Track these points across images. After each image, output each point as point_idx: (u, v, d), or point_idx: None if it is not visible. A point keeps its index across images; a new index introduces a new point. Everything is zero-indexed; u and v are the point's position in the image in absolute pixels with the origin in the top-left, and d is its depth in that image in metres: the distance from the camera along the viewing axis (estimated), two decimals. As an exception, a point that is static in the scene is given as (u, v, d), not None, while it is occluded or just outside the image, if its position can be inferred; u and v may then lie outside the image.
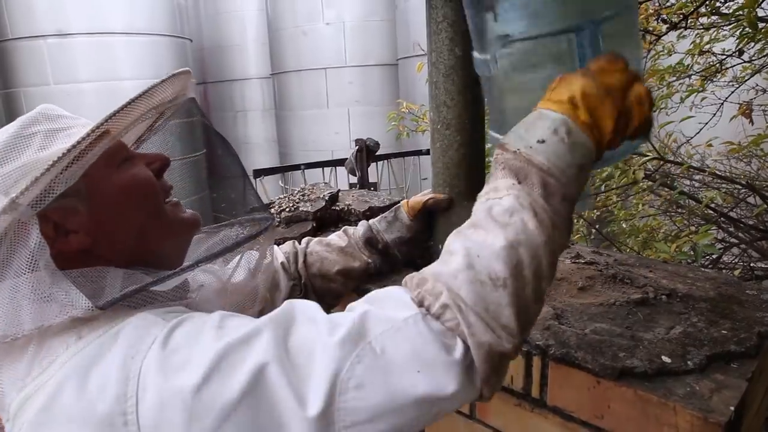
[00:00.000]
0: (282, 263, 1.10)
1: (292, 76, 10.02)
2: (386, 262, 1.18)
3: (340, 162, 4.64)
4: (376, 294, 0.70)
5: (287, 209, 1.58)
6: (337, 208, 1.63)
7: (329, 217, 1.61)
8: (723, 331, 0.90)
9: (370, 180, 3.76)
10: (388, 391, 0.60)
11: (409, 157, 6.08)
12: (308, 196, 1.65)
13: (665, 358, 0.82)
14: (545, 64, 0.81)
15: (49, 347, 0.65)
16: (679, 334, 0.90)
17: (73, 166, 0.66)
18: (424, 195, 1.18)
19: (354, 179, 3.73)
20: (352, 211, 1.61)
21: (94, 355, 0.62)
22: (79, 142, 0.66)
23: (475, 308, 0.62)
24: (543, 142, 0.70)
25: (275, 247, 1.11)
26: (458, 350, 0.61)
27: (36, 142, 0.70)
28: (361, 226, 1.19)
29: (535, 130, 0.71)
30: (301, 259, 1.13)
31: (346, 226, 1.22)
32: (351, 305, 0.69)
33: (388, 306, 0.65)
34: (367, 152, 3.62)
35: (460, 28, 1.02)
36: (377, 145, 3.70)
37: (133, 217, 0.74)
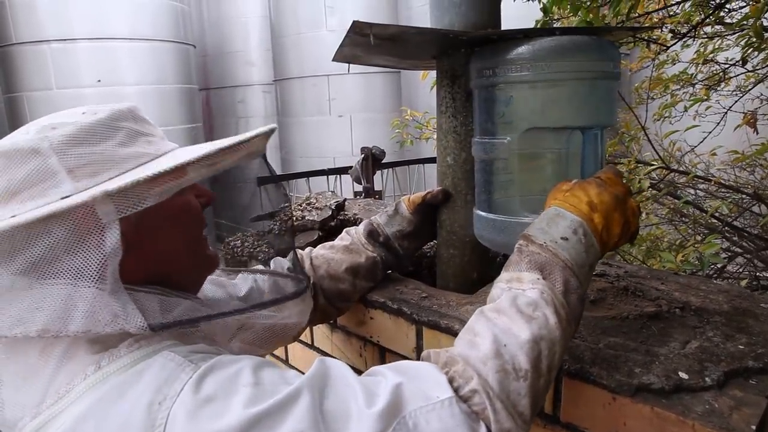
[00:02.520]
0: (288, 269, 1.09)
1: (295, 82, 10.04)
2: (391, 255, 1.19)
3: (344, 170, 4.63)
4: (406, 366, 0.71)
5: (293, 218, 1.56)
6: (343, 217, 1.62)
7: (335, 226, 1.60)
8: (740, 346, 0.88)
9: (375, 188, 3.74)
10: None
11: (414, 165, 6.07)
12: (314, 204, 1.64)
13: (682, 374, 0.81)
14: (562, 152, 0.94)
15: (67, 373, 0.63)
16: (695, 348, 0.88)
17: (171, 183, 0.67)
18: (420, 192, 1.23)
19: (359, 187, 3.72)
20: (358, 221, 1.60)
21: (116, 393, 0.60)
22: (184, 164, 0.67)
23: (500, 396, 0.66)
24: (566, 239, 0.78)
25: (279, 258, 1.11)
26: None
27: (119, 137, 0.71)
28: (363, 223, 1.22)
29: (557, 227, 0.80)
30: (307, 263, 1.13)
31: (347, 228, 1.24)
32: (375, 370, 0.71)
33: (424, 383, 0.67)
34: (372, 160, 3.61)
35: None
36: (383, 153, 3.69)
37: (175, 241, 0.75)
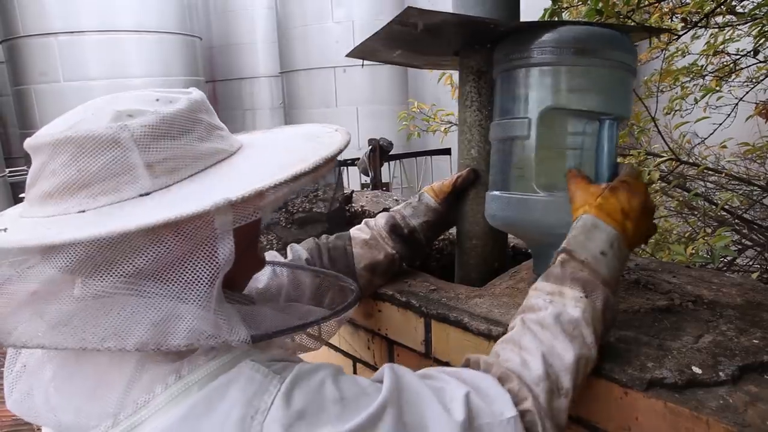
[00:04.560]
0: (306, 260, 1.09)
1: (301, 74, 10.01)
2: (410, 250, 1.18)
3: (351, 162, 4.62)
4: (467, 376, 0.73)
5: (301, 210, 1.56)
6: (351, 209, 1.61)
7: (343, 218, 1.59)
8: (754, 341, 0.87)
9: (383, 180, 3.73)
10: None
11: (421, 158, 6.05)
12: (321, 196, 1.63)
13: (696, 369, 0.79)
14: (579, 134, 0.97)
15: (146, 383, 0.60)
16: (709, 343, 0.87)
17: (286, 191, 0.63)
18: (448, 179, 1.21)
19: (367, 179, 3.71)
20: (366, 212, 1.59)
21: (203, 407, 0.58)
22: (302, 173, 0.63)
23: (549, 414, 0.71)
24: (604, 254, 0.81)
25: (296, 245, 1.10)
26: None
27: (198, 131, 0.67)
28: (381, 216, 1.19)
29: (595, 240, 0.82)
30: (325, 256, 1.11)
31: (366, 219, 1.21)
32: (432, 373, 0.72)
33: (489, 398, 0.69)
34: (380, 152, 3.60)
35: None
36: (390, 145, 3.68)
37: (241, 245, 0.69)
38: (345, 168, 4.80)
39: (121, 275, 0.58)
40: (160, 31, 9.75)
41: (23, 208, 0.67)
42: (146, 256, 0.58)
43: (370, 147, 3.62)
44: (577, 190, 0.90)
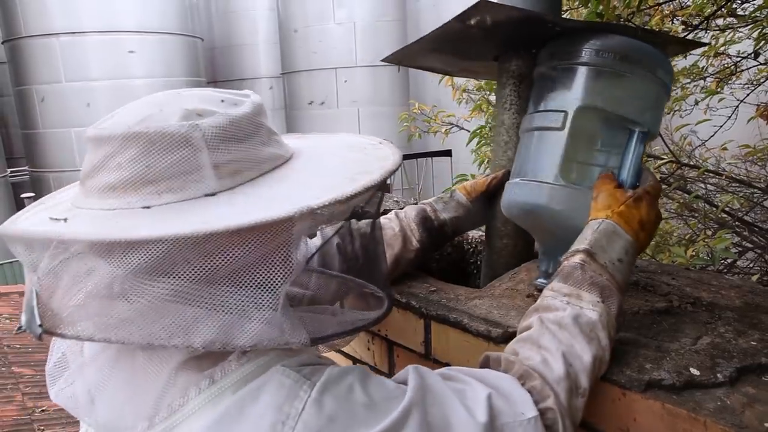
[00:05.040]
0: (337, 244, 1.08)
1: (303, 75, 10.02)
2: (434, 244, 1.20)
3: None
4: (488, 376, 0.74)
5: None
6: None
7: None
8: (752, 342, 0.87)
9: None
10: None
11: (421, 159, 6.06)
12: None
13: (693, 370, 0.80)
14: (609, 137, 1.00)
15: (181, 386, 0.61)
16: (707, 344, 0.87)
17: (357, 201, 0.63)
18: (482, 178, 1.23)
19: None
20: (366, 213, 1.59)
21: (235, 411, 0.59)
22: (375, 183, 0.64)
23: (568, 412, 0.73)
24: (621, 261, 0.84)
25: (326, 228, 1.10)
26: None
27: (261, 135, 0.68)
28: (412, 208, 1.20)
29: (614, 246, 0.85)
30: (357, 242, 1.10)
31: (395, 210, 1.22)
32: (452, 374, 0.73)
33: (512, 399, 0.70)
34: (380, 153, 3.59)
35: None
36: (390, 145, 3.68)
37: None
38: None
39: (195, 275, 0.58)
40: (161, 31, 9.77)
41: (76, 197, 0.67)
42: (225, 258, 0.58)
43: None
44: (603, 192, 0.91)
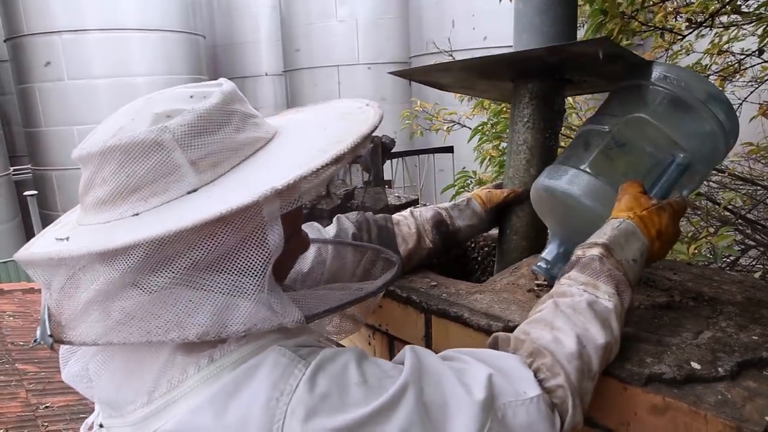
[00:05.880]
0: (353, 234, 1.09)
1: (305, 73, 10.01)
2: (445, 247, 1.21)
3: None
4: (489, 356, 0.74)
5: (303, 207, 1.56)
6: (353, 205, 1.61)
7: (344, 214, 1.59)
8: (753, 337, 0.87)
9: (385, 178, 3.74)
10: None
11: (423, 155, 6.05)
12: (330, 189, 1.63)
13: (694, 365, 0.80)
14: (651, 151, 1.03)
15: (180, 365, 0.64)
16: (708, 339, 0.87)
17: (328, 174, 0.64)
18: (499, 191, 1.26)
19: (368, 176, 3.71)
20: (368, 209, 1.59)
21: (232, 387, 0.61)
22: (343, 153, 0.64)
23: (578, 392, 0.73)
24: (635, 262, 0.86)
25: (342, 217, 1.13)
26: (557, 424, 0.70)
27: (234, 122, 0.68)
28: (428, 210, 1.22)
29: (631, 247, 0.86)
30: (374, 231, 1.12)
31: (411, 208, 1.24)
32: (453, 355, 0.73)
33: (511, 378, 0.70)
34: (382, 149, 3.59)
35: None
36: (393, 142, 3.67)
37: (287, 229, 0.68)
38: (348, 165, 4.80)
39: (179, 270, 0.60)
40: (163, 29, 9.77)
41: (79, 216, 0.70)
42: (201, 250, 0.60)
43: (372, 144, 3.62)
44: (628, 194, 0.93)
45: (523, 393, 0.69)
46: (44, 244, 0.69)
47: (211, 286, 0.63)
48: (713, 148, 1.04)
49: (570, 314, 0.78)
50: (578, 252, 0.87)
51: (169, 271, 0.60)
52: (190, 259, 0.60)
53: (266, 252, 0.62)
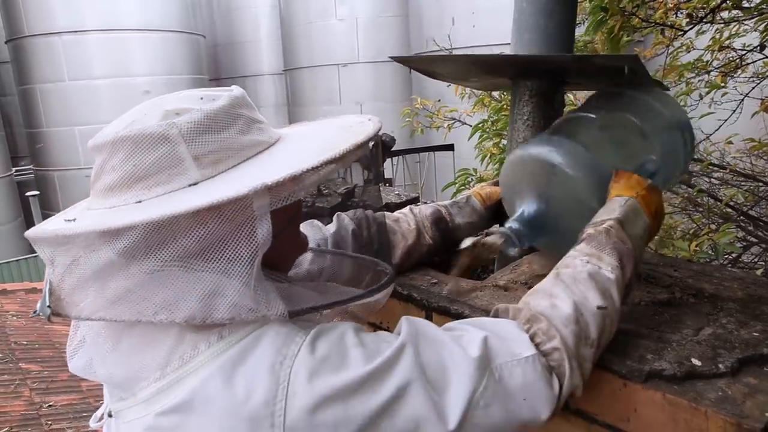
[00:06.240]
0: (352, 231, 1.11)
1: (305, 72, 10.01)
2: (444, 245, 1.21)
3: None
4: (487, 322, 0.78)
5: (304, 204, 1.56)
6: (353, 203, 1.61)
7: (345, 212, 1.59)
8: (754, 333, 0.87)
9: (385, 175, 3.74)
10: (505, 414, 0.69)
11: (424, 153, 6.05)
12: (323, 191, 1.64)
13: (695, 361, 0.80)
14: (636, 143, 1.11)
15: (191, 341, 0.67)
16: (709, 335, 0.87)
17: (321, 174, 0.68)
18: (498, 188, 1.25)
19: (369, 174, 3.71)
20: (368, 207, 1.59)
21: (238, 356, 0.65)
22: (336, 157, 0.68)
23: (575, 356, 0.74)
24: (641, 239, 0.90)
25: (343, 214, 1.14)
26: (555, 386, 0.73)
27: (238, 125, 0.72)
28: (428, 207, 1.22)
29: (638, 224, 0.90)
30: (373, 227, 1.14)
31: (410, 206, 1.24)
32: (454, 325, 0.77)
33: (507, 340, 0.73)
34: (382, 147, 3.60)
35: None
36: (393, 140, 3.69)
37: (279, 225, 0.70)
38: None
39: (171, 255, 0.64)
40: (163, 29, 9.77)
41: (89, 202, 0.75)
42: (192, 237, 0.64)
43: (372, 142, 3.63)
44: (625, 176, 0.97)
45: (518, 353, 0.71)
46: (54, 224, 0.73)
47: (201, 273, 0.65)
48: (676, 150, 1.14)
49: (570, 283, 0.80)
50: (589, 230, 0.89)
51: (163, 254, 0.64)
52: (183, 244, 0.64)
53: (254, 244, 0.65)
